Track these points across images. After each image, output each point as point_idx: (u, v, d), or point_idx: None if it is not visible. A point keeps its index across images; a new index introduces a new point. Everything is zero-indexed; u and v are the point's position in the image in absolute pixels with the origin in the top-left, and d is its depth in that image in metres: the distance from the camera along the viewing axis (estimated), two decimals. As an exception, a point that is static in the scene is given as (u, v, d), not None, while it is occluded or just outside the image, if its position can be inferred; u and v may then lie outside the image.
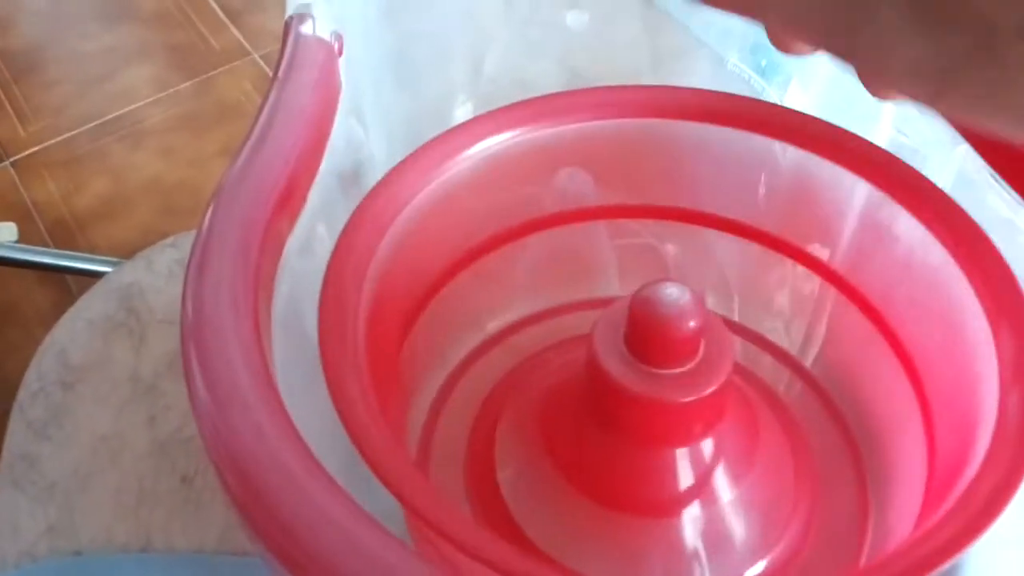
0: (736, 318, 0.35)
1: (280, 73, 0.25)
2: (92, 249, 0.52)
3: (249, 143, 0.23)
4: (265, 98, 0.25)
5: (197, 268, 0.21)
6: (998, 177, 0.27)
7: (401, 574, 0.16)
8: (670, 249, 0.36)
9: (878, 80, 0.15)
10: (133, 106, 0.64)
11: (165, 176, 0.57)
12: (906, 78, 0.14)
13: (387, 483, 0.20)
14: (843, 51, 0.15)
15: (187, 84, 0.65)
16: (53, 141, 0.59)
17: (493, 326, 0.33)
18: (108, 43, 0.68)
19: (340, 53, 0.27)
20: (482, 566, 0.19)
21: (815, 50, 0.16)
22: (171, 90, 0.65)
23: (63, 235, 0.54)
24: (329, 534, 0.16)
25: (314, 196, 0.25)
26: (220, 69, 0.65)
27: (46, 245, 0.53)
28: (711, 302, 0.36)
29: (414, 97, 0.39)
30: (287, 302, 0.23)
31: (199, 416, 0.18)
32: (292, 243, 0.24)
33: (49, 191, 0.57)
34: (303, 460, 0.17)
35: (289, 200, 0.23)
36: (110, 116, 0.63)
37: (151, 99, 0.64)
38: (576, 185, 0.34)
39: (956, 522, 0.20)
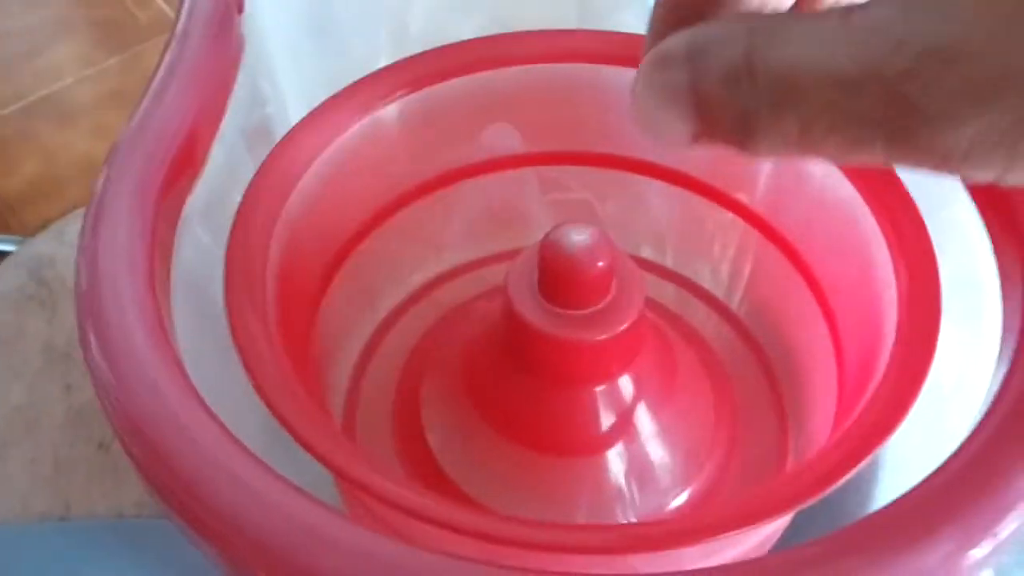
0: (669, 264, 0.36)
1: (176, 30, 0.25)
2: (24, 231, 0.51)
3: (144, 101, 0.23)
4: (161, 56, 0.24)
5: (91, 228, 0.20)
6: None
7: (303, 522, 0.16)
8: (602, 201, 0.36)
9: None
10: (60, 84, 0.62)
11: (97, 154, 0.56)
12: None
13: (303, 443, 0.20)
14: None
15: (114, 60, 0.63)
16: (-22, 124, 0.58)
17: (418, 279, 0.33)
18: (30, 22, 0.67)
19: (240, 10, 0.27)
20: (409, 517, 0.19)
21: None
22: (98, 67, 0.63)
23: (-6, 219, 0.53)
24: (228, 488, 0.16)
25: (218, 155, 0.25)
26: (147, 43, 0.64)
27: (-25, 230, 0.52)
28: (646, 252, 0.36)
29: (336, 59, 0.38)
30: (192, 267, 0.23)
31: (94, 376, 0.18)
32: (195, 204, 0.24)
33: (-23, 175, 0.56)
34: (198, 415, 0.17)
35: (188, 158, 0.23)
36: (36, 96, 0.61)
37: (78, 77, 0.63)
38: (504, 139, 0.34)
39: (861, 433, 0.21)
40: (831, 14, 0.13)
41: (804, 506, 0.19)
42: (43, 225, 0.51)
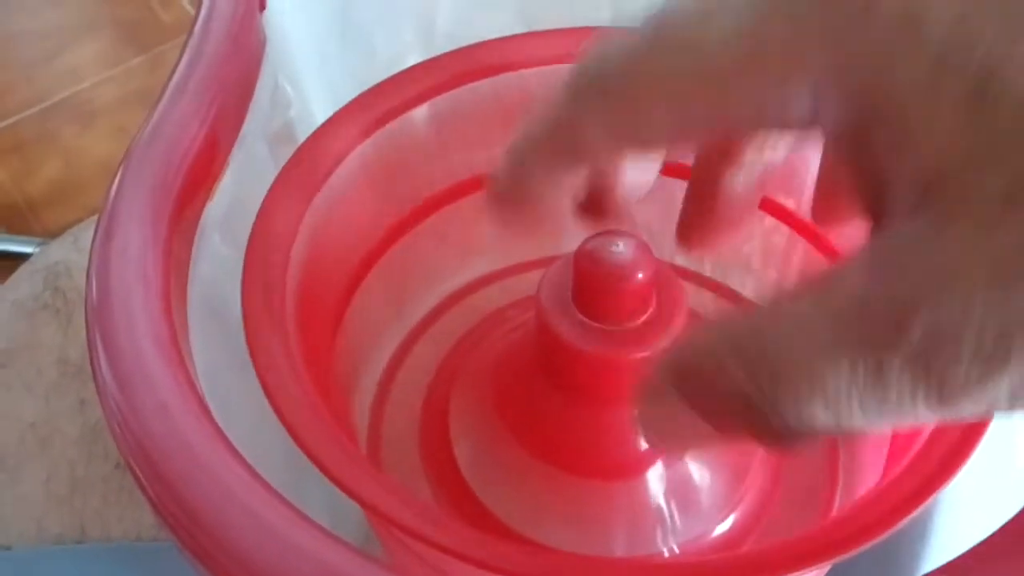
0: (707, 273, 0.34)
1: (195, 29, 0.24)
2: (46, 234, 0.51)
3: (160, 103, 0.22)
4: (179, 56, 0.23)
5: (102, 238, 0.19)
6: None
7: (314, 557, 0.14)
8: (638, 204, 0.34)
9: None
10: (82, 85, 0.62)
11: (118, 156, 0.56)
12: None
13: (327, 472, 0.18)
14: None
15: (137, 60, 0.63)
16: (1, 125, 0.58)
17: (449, 286, 0.32)
18: (52, 21, 0.66)
19: (262, 8, 0.26)
20: (437, 551, 0.18)
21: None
22: (121, 67, 0.63)
23: (16, 220, 0.52)
24: (243, 523, 0.15)
25: (238, 161, 0.24)
26: (170, 43, 0.64)
27: (-2, 232, 0.52)
28: (681, 258, 0.34)
29: (363, 59, 0.37)
30: (211, 280, 0.22)
31: (102, 395, 0.17)
32: (214, 213, 0.23)
33: (-1, 177, 0.55)
34: (212, 442, 0.16)
35: (207, 163, 0.22)
36: (58, 97, 0.61)
37: (100, 77, 0.62)
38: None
39: (922, 470, 0.19)
40: (802, 295, 0.12)
41: (858, 551, 0.18)
42: (64, 227, 0.50)
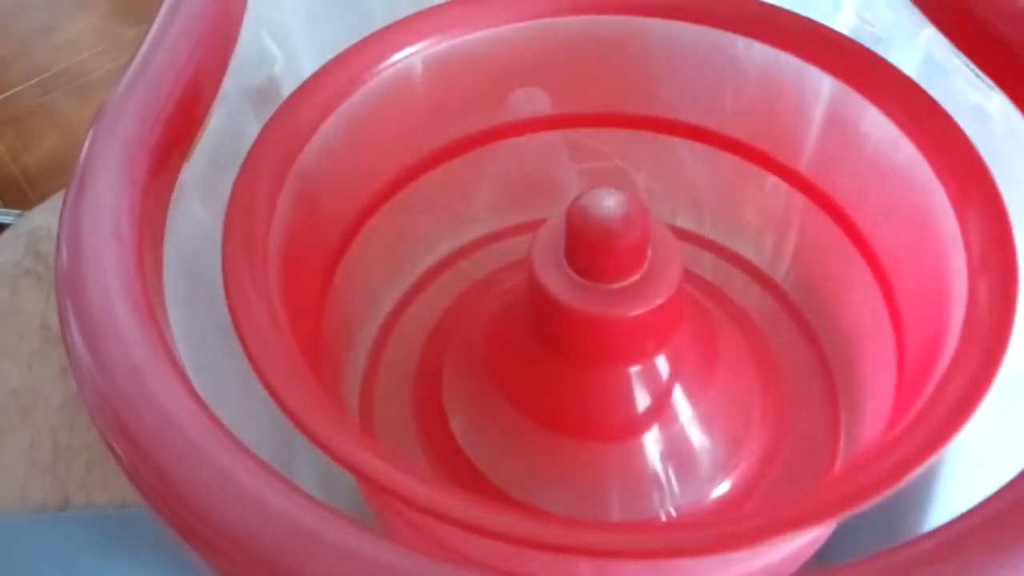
0: (707, 234, 0.33)
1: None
2: (43, 207, 0.50)
3: (137, 57, 0.21)
4: (157, 10, 0.22)
5: (75, 194, 0.19)
6: (966, 59, 0.25)
7: (286, 516, 0.14)
8: (635, 165, 0.33)
9: None
10: (79, 58, 0.61)
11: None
12: None
13: (304, 429, 0.18)
14: None
15: (133, 32, 0.62)
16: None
17: (443, 249, 0.31)
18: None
19: (243, -40, 0.25)
20: (434, 519, 0.17)
21: None
22: (116, 40, 0.62)
23: (14, 194, 0.52)
24: (217, 486, 0.15)
25: (219, 117, 0.23)
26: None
27: (-5, 206, 0.51)
28: (682, 220, 0.34)
29: (355, 15, 0.36)
30: (188, 241, 0.21)
31: (71, 356, 0.16)
32: (193, 172, 0.22)
33: (-3, 151, 0.55)
34: (184, 402, 0.16)
35: (185, 118, 0.21)
36: (54, 70, 0.60)
37: (97, 50, 0.62)
38: (532, 103, 0.32)
39: (924, 428, 0.18)
40: None
41: (859, 510, 0.17)
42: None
